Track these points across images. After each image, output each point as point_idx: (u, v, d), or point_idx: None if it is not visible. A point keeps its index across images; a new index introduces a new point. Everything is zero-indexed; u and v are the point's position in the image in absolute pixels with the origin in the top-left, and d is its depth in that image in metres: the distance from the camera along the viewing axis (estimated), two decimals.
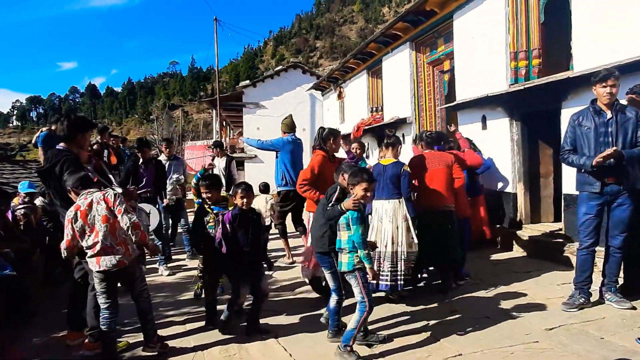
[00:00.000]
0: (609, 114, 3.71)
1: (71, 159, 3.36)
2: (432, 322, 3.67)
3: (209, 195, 4.00)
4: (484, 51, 6.81)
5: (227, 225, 3.54)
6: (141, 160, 5.93)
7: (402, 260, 4.07)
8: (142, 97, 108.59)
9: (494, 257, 5.94)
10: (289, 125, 6.18)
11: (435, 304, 4.12)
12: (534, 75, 6.20)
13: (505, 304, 4.02)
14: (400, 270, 4.06)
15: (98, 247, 3.04)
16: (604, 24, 4.88)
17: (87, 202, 3.08)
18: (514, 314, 3.76)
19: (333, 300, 3.39)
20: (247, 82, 22.44)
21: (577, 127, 3.80)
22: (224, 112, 22.14)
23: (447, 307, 4.01)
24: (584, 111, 3.83)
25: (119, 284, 3.26)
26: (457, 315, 3.81)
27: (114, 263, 3.06)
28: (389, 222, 4.11)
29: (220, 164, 7.18)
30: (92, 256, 3.07)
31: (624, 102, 3.91)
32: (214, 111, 23.68)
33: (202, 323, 3.85)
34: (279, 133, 6.34)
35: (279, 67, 23.38)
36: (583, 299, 3.80)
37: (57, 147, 3.50)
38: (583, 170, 3.76)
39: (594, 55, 4.95)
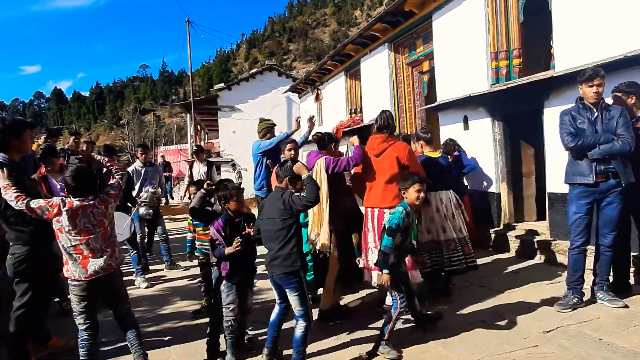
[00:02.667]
0: (595, 112, 3.72)
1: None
2: (427, 329, 3.55)
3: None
4: (464, 51, 6.81)
5: (220, 234, 3.18)
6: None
7: (466, 244, 4.34)
8: (111, 102, 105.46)
9: (480, 258, 5.89)
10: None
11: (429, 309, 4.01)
12: (514, 75, 6.22)
13: (499, 307, 3.95)
14: (467, 253, 4.33)
15: (85, 249, 2.78)
16: (585, 23, 4.91)
17: (81, 205, 2.79)
18: (509, 316, 3.69)
19: (301, 327, 2.95)
20: (222, 85, 22.10)
21: (572, 120, 3.77)
22: (198, 116, 21.71)
23: (443, 312, 3.89)
24: (574, 108, 3.83)
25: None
26: (452, 321, 3.70)
27: (102, 266, 2.80)
28: (453, 210, 4.37)
29: (201, 169, 6.92)
30: (74, 262, 2.79)
31: (609, 100, 3.93)
32: (187, 115, 23.17)
33: (186, 339, 3.63)
34: (254, 136, 6.06)
35: (254, 70, 23.11)
36: (576, 299, 3.77)
37: None
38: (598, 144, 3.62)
39: (575, 54, 4.97)
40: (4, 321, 3.76)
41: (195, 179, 7.04)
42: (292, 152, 4.82)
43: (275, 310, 3.16)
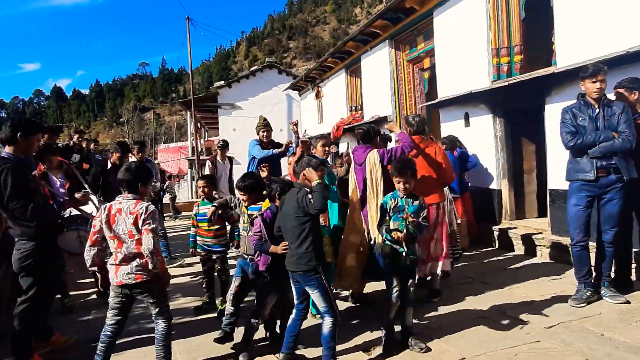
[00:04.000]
0: (597, 109, 3.72)
1: (10, 168, 3.03)
2: (429, 324, 3.56)
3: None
4: (465, 48, 6.80)
5: (265, 225, 3.15)
6: (110, 165, 5.62)
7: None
8: (111, 100, 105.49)
9: (482, 254, 5.91)
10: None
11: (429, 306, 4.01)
12: (515, 71, 6.21)
13: (501, 303, 3.95)
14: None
15: (119, 257, 2.76)
16: (587, 19, 4.90)
17: (118, 208, 2.78)
18: (511, 312, 3.69)
19: (328, 323, 2.84)
20: (222, 82, 22.09)
21: (573, 118, 3.77)
22: (198, 114, 21.66)
23: (442, 309, 3.91)
24: (575, 105, 3.82)
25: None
26: (454, 317, 3.71)
27: (130, 275, 2.73)
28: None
29: (225, 167, 6.91)
30: (111, 264, 2.82)
31: (611, 96, 3.92)
32: (187, 113, 23.14)
33: (188, 335, 3.63)
34: (255, 134, 6.08)
35: (255, 67, 23.08)
36: (590, 292, 3.77)
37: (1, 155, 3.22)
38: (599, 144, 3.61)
39: (577, 50, 4.96)
40: (4, 321, 3.78)
41: (219, 174, 6.97)
42: (326, 148, 4.42)
43: (293, 314, 3.03)
